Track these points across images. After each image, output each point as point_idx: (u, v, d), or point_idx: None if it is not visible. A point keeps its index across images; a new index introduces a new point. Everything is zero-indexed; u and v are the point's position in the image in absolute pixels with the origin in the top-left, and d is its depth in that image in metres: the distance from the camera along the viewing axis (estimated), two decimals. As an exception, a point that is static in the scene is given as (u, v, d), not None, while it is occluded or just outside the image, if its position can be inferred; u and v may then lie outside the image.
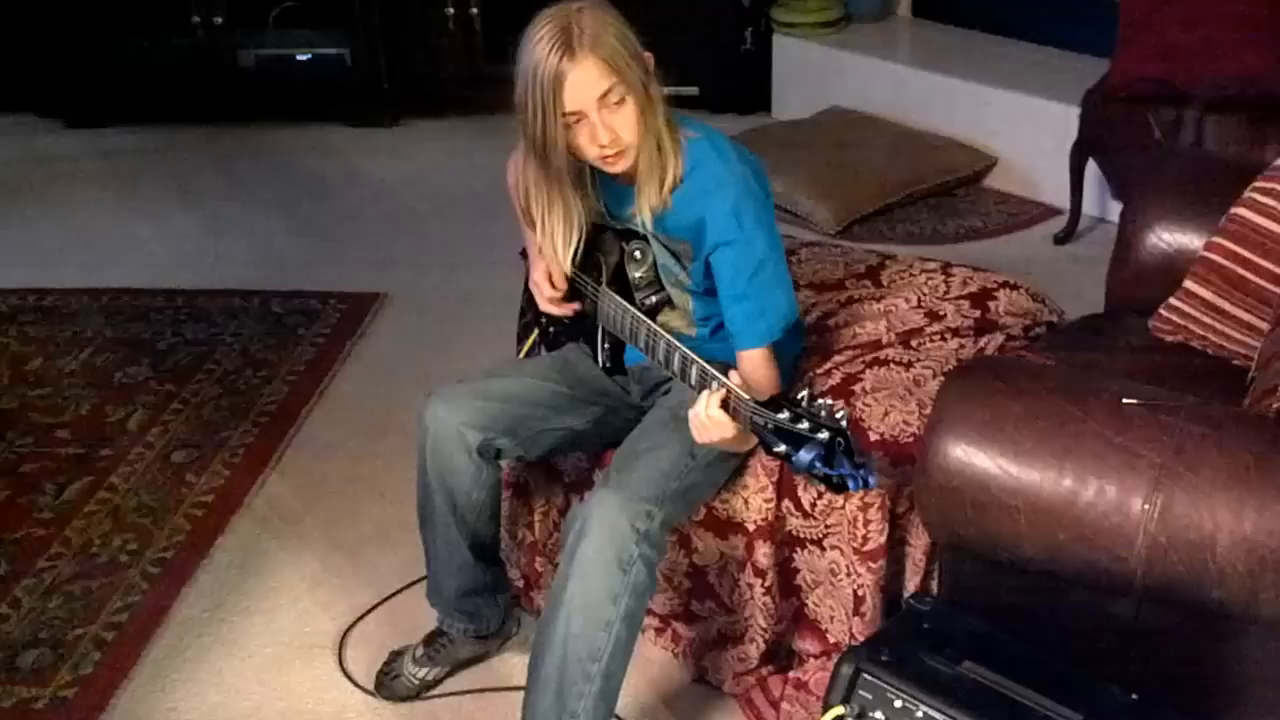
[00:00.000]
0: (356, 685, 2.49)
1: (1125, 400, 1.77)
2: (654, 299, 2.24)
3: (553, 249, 2.20)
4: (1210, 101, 3.57)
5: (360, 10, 5.26)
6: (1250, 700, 1.82)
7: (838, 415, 1.70)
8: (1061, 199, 4.23)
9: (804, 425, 1.71)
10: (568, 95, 1.96)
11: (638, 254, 2.21)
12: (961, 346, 2.45)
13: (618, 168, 2.07)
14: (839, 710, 1.80)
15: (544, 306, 2.36)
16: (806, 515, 2.24)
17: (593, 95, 1.97)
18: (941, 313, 2.54)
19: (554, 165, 2.06)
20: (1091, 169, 4.09)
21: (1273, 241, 2.27)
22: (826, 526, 2.24)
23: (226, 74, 5.37)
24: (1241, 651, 1.78)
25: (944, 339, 2.46)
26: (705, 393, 1.92)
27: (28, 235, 4.54)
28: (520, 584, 2.63)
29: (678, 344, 2.04)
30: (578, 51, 1.94)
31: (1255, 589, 1.65)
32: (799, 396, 1.75)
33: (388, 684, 2.46)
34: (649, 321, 2.14)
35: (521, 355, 2.62)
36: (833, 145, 4.65)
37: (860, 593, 2.23)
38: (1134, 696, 1.74)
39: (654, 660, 2.50)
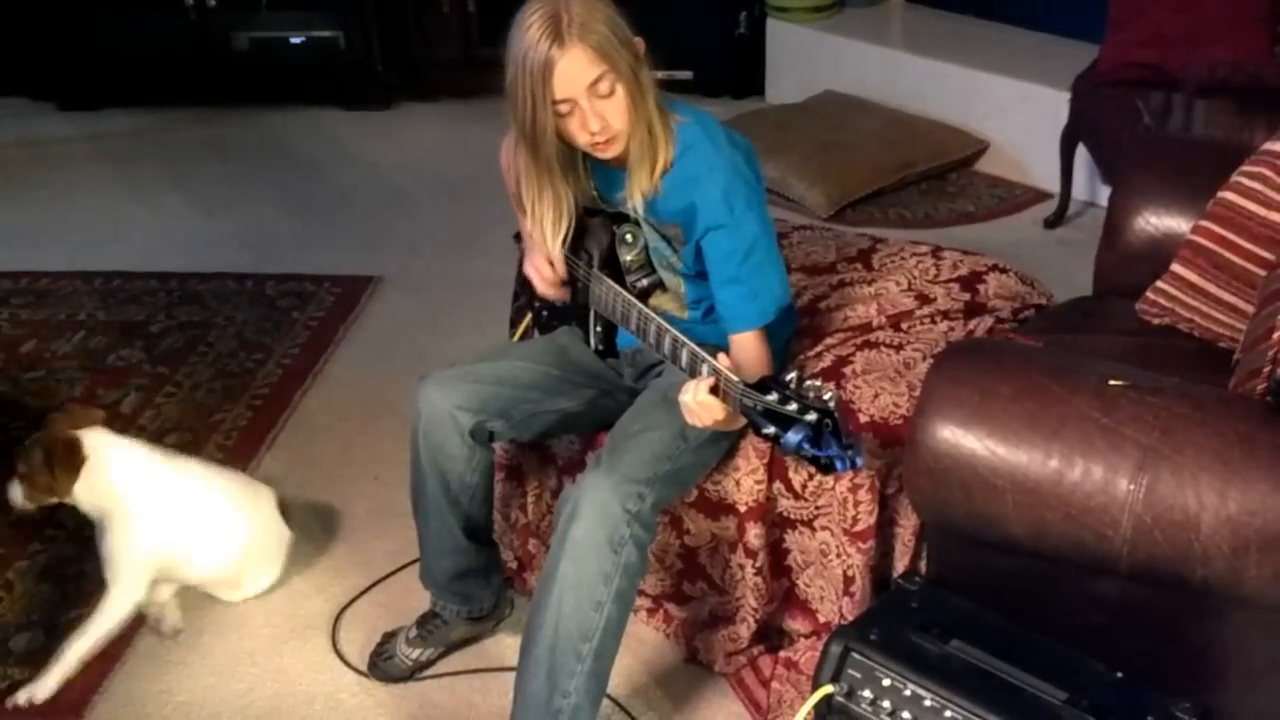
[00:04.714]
0: (350, 666, 2.50)
1: (1111, 382, 1.79)
2: (645, 282, 2.25)
3: (541, 235, 2.21)
4: (1199, 86, 3.57)
5: (354, -7, 5.27)
6: (1234, 678, 1.84)
7: (826, 397, 1.71)
8: (1052, 183, 4.25)
9: (792, 407, 1.73)
10: (557, 83, 1.97)
11: (629, 237, 2.22)
12: (951, 329, 2.46)
13: (608, 154, 2.08)
14: (828, 689, 1.81)
15: (539, 288, 2.37)
16: (797, 496, 2.26)
17: (582, 83, 1.98)
18: (931, 296, 2.55)
19: (544, 152, 2.07)
20: (1081, 153, 4.10)
21: (1259, 225, 2.29)
22: (817, 507, 2.26)
23: (220, 57, 5.37)
24: (1225, 630, 1.79)
25: (934, 322, 2.48)
26: (693, 380, 1.93)
27: (20, 218, 4.54)
28: (513, 566, 2.65)
29: (669, 327, 2.05)
30: (567, 40, 1.94)
31: (1239, 568, 1.66)
32: (788, 378, 1.76)
33: (381, 665, 2.47)
34: (640, 305, 2.15)
35: (515, 339, 2.63)
36: (825, 129, 4.65)
37: (850, 573, 2.24)
38: (1119, 674, 1.76)
39: (646, 640, 2.51)
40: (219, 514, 2.58)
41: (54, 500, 2.48)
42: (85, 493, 2.47)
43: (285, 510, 2.71)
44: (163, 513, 2.50)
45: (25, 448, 2.49)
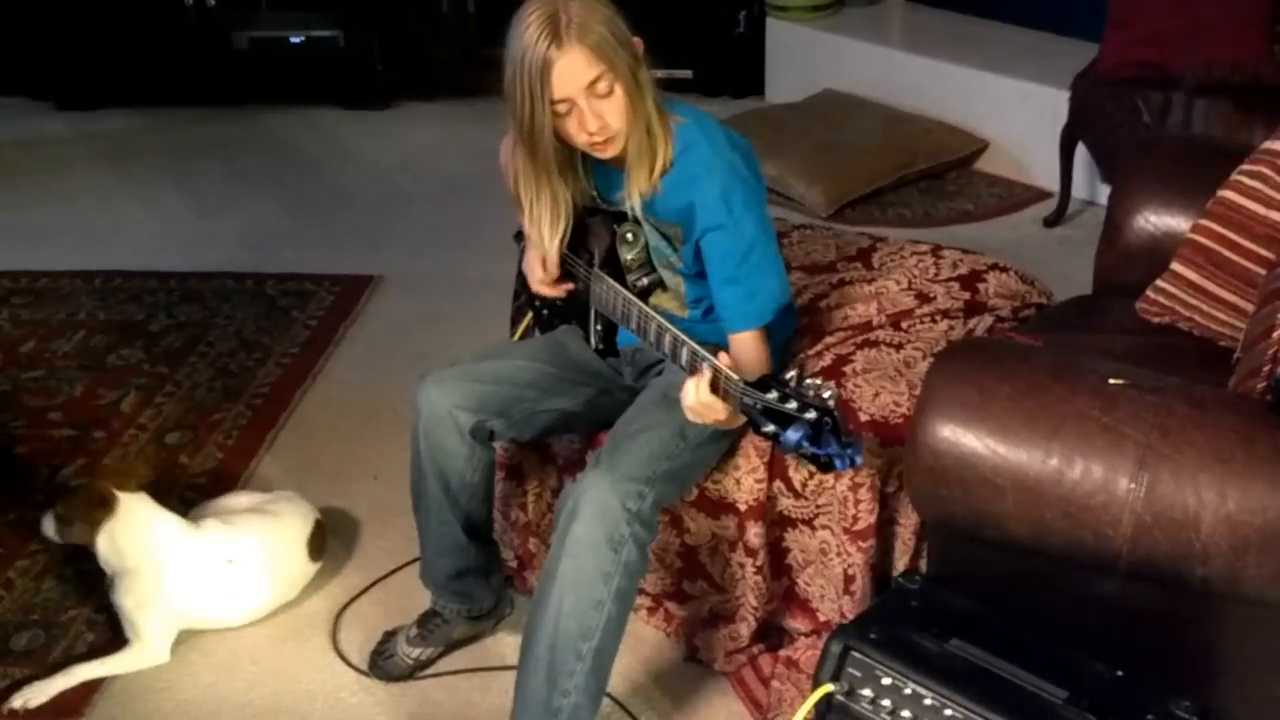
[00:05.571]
0: (350, 665, 2.50)
1: (1111, 381, 1.79)
2: (646, 281, 2.25)
3: (539, 235, 2.21)
4: (1198, 85, 3.58)
5: (354, -8, 5.27)
6: (1234, 677, 1.84)
7: (825, 395, 1.71)
8: (1051, 182, 4.25)
9: (792, 405, 1.73)
10: (555, 83, 1.97)
11: (629, 236, 2.22)
12: (951, 328, 2.46)
13: (607, 154, 2.08)
14: (828, 687, 1.81)
15: (536, 288, 2.37)
16: (797, 495, 2.26)
17: (580, 84, 1.98)
18: (931, 295, 2.55)
19: (542, 152, 2.07)
20: (1081, 152, 4.11)
21: (1258, 224, 2.29)
22: (817, 506, 2.26)
23: (219, 56, 5.37)
24: (1225, 628, 1.80)
25: (934, 321, 2.48)
26: (692, 379, 1.93)
27: (19, 218, 4.54)
28: (514, 565, 2.65)
29: (669, 326, 2.05)
30: (565, 40, 1.94)
31: (1239, 567, 1.66)
32: (788, 377, 1.76)
33: (381, 664, 2.47)
34: (640, 304, 2.15)
35: (515, 338, 2.63)
36: (825, 128, 4.66)
37: (850, 572, 2.25)
38: (1119, 673, 1.76)
39: (646, 639, 2.51)
40: (244, 584, 2.56)
41: (76, 542, 2.50)
42: (105, 547, 2.48)
43: (320, 536, 2.68)
44: (183, 588, 2.50)
45: (68, 488, 2.54)
